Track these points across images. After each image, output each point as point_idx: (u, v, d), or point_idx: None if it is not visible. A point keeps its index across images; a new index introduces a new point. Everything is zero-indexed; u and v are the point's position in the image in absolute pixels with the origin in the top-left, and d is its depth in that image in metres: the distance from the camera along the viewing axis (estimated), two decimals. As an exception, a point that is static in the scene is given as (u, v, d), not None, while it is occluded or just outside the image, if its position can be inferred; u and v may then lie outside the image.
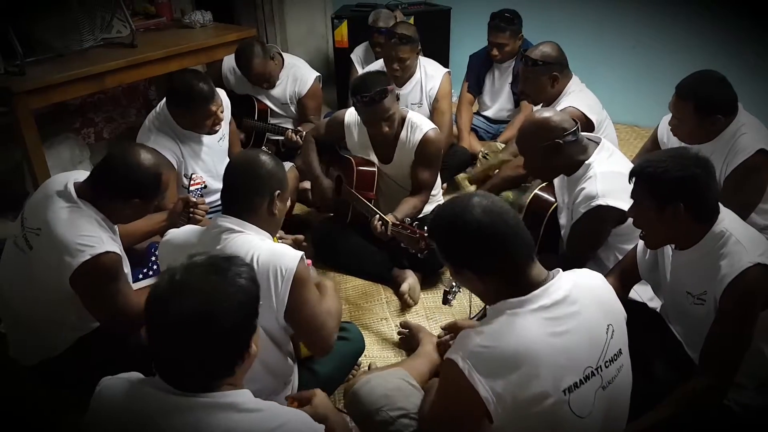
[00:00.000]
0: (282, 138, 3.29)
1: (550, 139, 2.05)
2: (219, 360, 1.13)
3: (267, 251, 1.62)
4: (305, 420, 1.21)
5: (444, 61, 3.98)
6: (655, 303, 2.02)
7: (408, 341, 2.35)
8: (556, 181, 2.32)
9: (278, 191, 1.71)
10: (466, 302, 2.38)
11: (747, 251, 1.57)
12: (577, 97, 2.70)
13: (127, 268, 1.94)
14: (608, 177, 2.03)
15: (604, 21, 4.16)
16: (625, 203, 1.93)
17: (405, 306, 2.63)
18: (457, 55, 4.26)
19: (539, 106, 2.88)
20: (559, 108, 2.60)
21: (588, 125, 2.61)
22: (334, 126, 2.83)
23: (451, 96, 3.39)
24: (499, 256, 1.32)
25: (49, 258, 1.79)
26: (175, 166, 2.59)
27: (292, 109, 3.39)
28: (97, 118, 3.82)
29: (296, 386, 1.85)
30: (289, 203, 1.83)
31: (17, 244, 1.89)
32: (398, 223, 2.32)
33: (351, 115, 2.75)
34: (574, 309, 1.30)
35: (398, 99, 2.61)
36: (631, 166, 1.75)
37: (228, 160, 2.82)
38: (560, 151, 2.07)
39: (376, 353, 2.36)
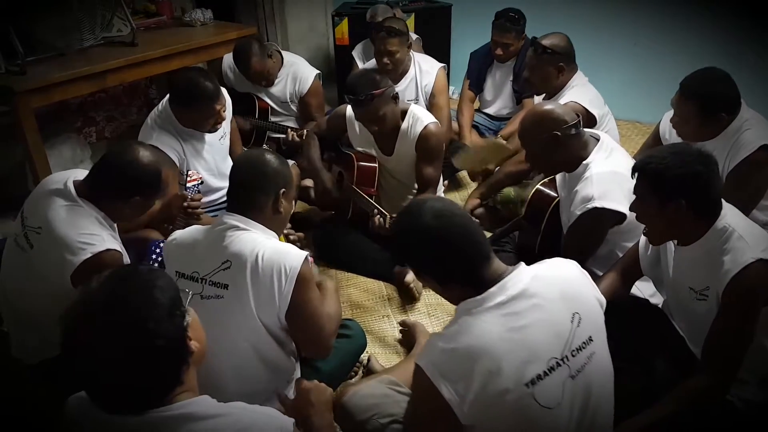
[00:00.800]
0: (283, 136, 3.29)
1: (551, 131, 2.05)
2: (158, 379, 1.06)
3: (272, 249, 1.63)
4: (271, 417, 1.15)
5: (445, 59, 3.98)
6: (656, 299, 2.02)
7: (407, 339, 2.35)
8: (558, 176, 2.32)
9: (284, 189, 1.72)
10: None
11: (750, 247, 1.57)
12: (579, 91, 2.70)
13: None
14: (605, 178, 2.03)
15: (605, 18, 4.15)
16: (621, 204, 1.93)
17: (410, 298, 2.63)
18: (458, 52, 4.25)
19: (541, 97, 2.88)
20: (561, 101, 2.60)
21: (590, 119, 2.61)
22: (336, 120, 2.83)
23: (447, 91, 3.37)
24: (452, 259, 1.34)
25: (50, 256, 1.79)
26: (177, 164, 2.59)
27: (293, 107, 3.39)
28: (98, 117, 3.82)
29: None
30: (294, 202, 1.84)
31: (18, 242, 1.89)
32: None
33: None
34: (533, 302, 1.31)
35: (397, 98, 2.61)
36: (632, 163, 1.74)
37: (229, 158, 2.84)
38: (561, 143, 2.06)
39: (377, 350, 2.37)
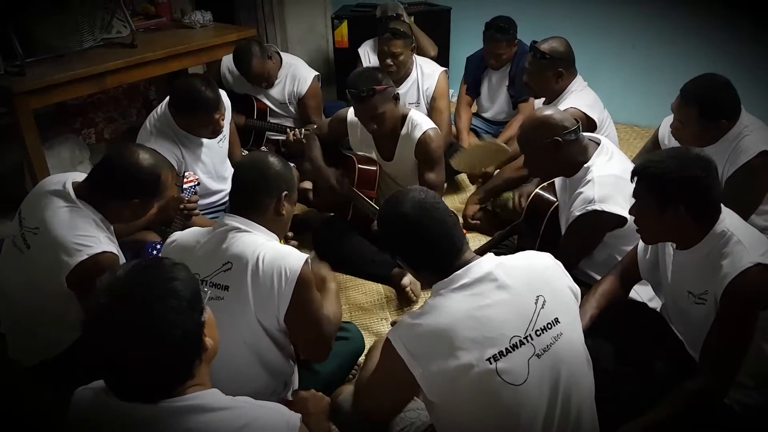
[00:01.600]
0: (282, 137, 3.29)
1: (551, 137, 2.05)
2: (172, 371, 1.09)
3: (273, 251, 1.63)
4: (278, 412, 1.17)
5: (444, 62, 3.98)
6: (655, 303, 2.02)
7: None
8: (557, 181, 2.32)
9: (286, 192, 1.73)
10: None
11: (748, 251, 1.57)
12: (578, 96, 2.70)
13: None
14: (606, 182, 2.03)
15: (603, 21, 4.15)
16: (622, 208, 1.94)
17: (407, 300, 2.63)
18: (457, 55, 4.26)
19: (540, 101, 2.89)
20: (560, 107, 2.60)
21: (590, 124, 2.61)
22: (337, 123, 2.83)
23: (448, 95, 3.38)
24: (424, 248, 1.43)
25: (46, 257, 1.79)
26: (176, 167, 2.59)
27: (292, 108, 3.39)
28: (98, 118, 3.81)
29: (296, 387, 1.85)
30: (294, 207, 1.84)
31: (15, 243, 1.89)
32: None
33: (353, 113, 2.76)
34: (497, 284, 1.38)
35: (398, 99, 2.61)
36: (632, 167, 1.74)
37: (228, 161, 2.84)
38: (560, 149, 2.06)
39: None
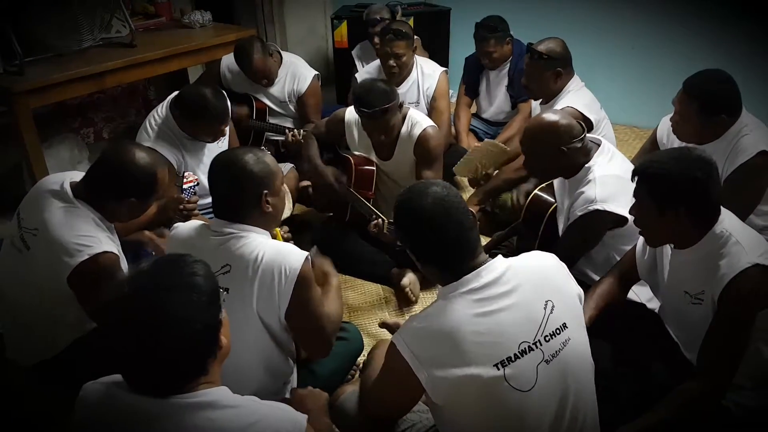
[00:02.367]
0: (281, 138, 3.29)
1: (557, 146, 2.04)
2: (188, 364, 1.11)
3: (272, 250, 1.63)
4: (285, 412, 1.19)
5: (443, 62, 3.98)
6: (653, 304, 2.02)
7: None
8: (556, 182, 2.32)
9: (265, 191, 1.69)
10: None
11: (746, 252, 1.57)
12: (575, 95, 2.70)
13: (124, 268, 1.94)
14: (607, 182, 2.03)
15: (603, 22, 4.16)
16: (623, 208, 1.93)
17: (406, 301, 2.63)
18: (456, 55, 4.26)
19: (538, 102, 2.88)
20: (557, 107, 2.60)
21: (586, 124, 2.61)
22: (335, 124, 2.83)
23: (448, 95, 3.38)
24: (438, 245, 1.39)
25: (46, 258, 1.79)
26: (175, 166, 2.59)
27: (291, 107, 3.39)
28: (97, 118, 3.82)
29: (296, 386, 1.85)
30: (284, 194, 1.80)
31: (14, 244, 1.88)
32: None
33: (351, 113, 2.76)
34: (506, 288, 1.36)
35: (402, 106, 2.61)
36: (632, 167, 1.74)
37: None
38: (566, 156, 2.07)
39: (375, 353, 2.36)
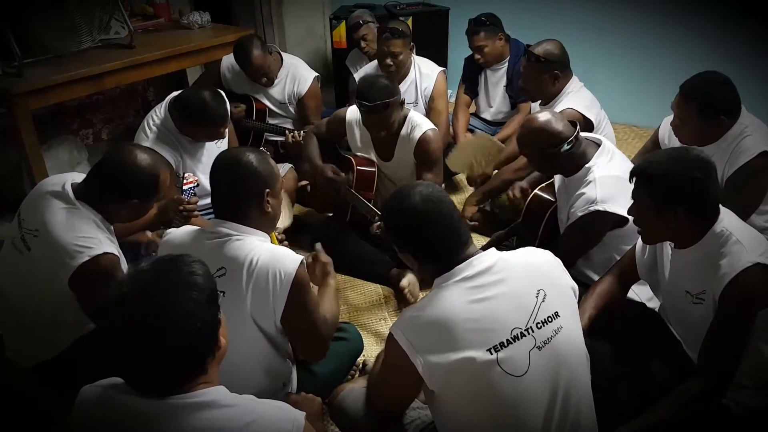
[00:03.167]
0: (281, 139, 3.28)
1: (547, 148, 2.07)
2: (187, 363, 1.12)
3: (267, 254, 1.62)
4: (284, 410, 1.19)
5: (442, 62, 3.98)
6: (653, 303, 2.02)
7: None
8: (556, 181, 2.32)
9: (267, 189, 1.70)
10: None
11: (747, 251, 1.57)
12: (574, 97, 2.70)
13: (124, 269, 1.94)
14: (607, 182, 2.04)
15: (602, 22, 4.16)
16: (624, 209, 1.94)
17: (405, 302, 2.63)
18: (455, 55, 4.26)
19: (537, 104, 2.88)
20: (557, 109, 2.60)
21: (587, 125, 2.61)
22: (336, 124, 2.83)
23: (446, 95, 3.38)
24: (431, 241, 1.43)
25: (47, 259, 1.79)
26: (174, 167, 2.59)
27: (291, 108, 3.39)
28: (96, 119, 3.81)
29: (295, 388, 1.85)
30: (282, 199, 1.81)
31: (15, 245, 1.88)
32: None
33: (352, 113, 2.76)
34: (498, 277, 1.39)
35: (403, 104, 2.61)
36: (631, 167, 1.74)
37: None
38: (559, 157, 2.08)
39: (374, 353, 2.36)
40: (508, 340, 1.34)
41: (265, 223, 1.74)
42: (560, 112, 2.45)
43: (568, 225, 2.13)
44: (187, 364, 1.12)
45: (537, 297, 1.40)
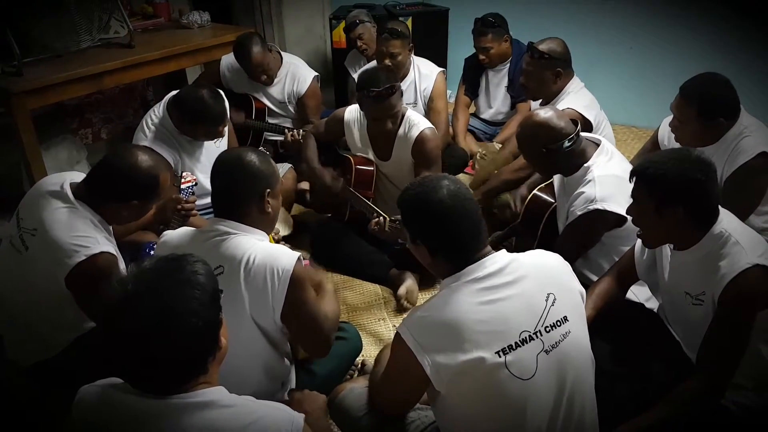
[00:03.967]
0: (280, 138, 3.28)
1: (549, 144, 2.06)
2: (189, 362, 1.12)
3: (264, 252, 1.62)
4: (283, 411, 1.19)
5: (442, 62, 3.98)
6: (652, 303, 2.02)
7: None
8: (555, 182, 2.32)
9: (268, 189, 1.70)
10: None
11: (746, 252, 1.57)
12: (575, 97, 2.70)
13: (122, 268, 1.94)
14: (607, 181, 2.04)
15: (602, 22, 4.16)
16: (623, 208, 1.94)
17: (402, 310, 2.63)
18: (455, 56, 4.26)
19: (538, 103, 2.88)
20: (557, 108, 2.60)
21: (586, 125, 2.61)
22: (334, 124, 2.83)
23: (446, 95, 3.39)
24: (450, 237, 1.42)
25: (44, 258, 1.79)
26: (172, 166, 2.59)
27: (291, 108, 3.39)
28: (95, 118, 3.81)
29: (294, 386, 1.85)
30: (280, 202, 1.82)
31: (13, 244, 1.88)
32: (397, 219, 2.32)
33: (351, 112, 2.76)
34: (509, 279, 1.38)
35: (402, 95, 2.61)
36: (630, 167, 1.74)
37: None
38: (559, 154, 2.07)
39: (373, 353, 2.36)
40: (516, 343, 1.33)
41: (265, 223, 1.73)
42: (560, 112, 2.44)
43: (567, 224, 2.13)
44: (189, 363, 1.12)
45: (547, 300, 1.39)
